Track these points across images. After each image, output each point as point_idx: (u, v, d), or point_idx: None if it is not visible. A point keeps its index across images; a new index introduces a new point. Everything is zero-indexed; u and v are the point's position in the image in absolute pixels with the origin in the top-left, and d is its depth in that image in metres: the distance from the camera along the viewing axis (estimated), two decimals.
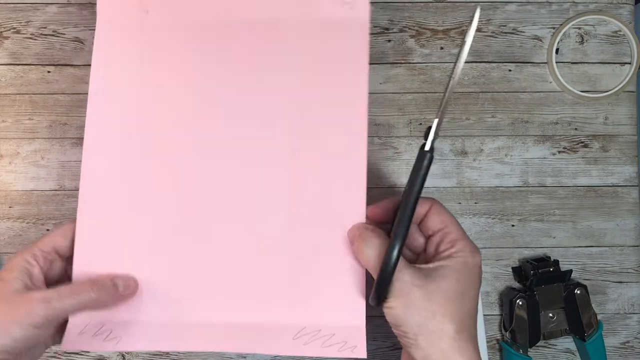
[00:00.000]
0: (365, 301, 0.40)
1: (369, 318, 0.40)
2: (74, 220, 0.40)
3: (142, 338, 0.39)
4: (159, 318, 0.40)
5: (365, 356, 0.39)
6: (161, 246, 0.41)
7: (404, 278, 0.34)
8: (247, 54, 0.43)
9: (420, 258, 0.40)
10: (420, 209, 0.38)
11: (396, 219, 0.34)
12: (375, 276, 0.35)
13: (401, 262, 0.34)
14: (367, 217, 0.40)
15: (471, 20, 0.33)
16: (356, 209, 0.41)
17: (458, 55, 0.33)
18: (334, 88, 0.42)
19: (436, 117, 0.34)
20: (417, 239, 0.40)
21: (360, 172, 0.42)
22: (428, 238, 0.39)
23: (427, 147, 0.35)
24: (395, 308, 0.34)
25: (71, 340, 0.38)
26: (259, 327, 0.40)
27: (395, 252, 0.33)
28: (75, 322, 0.39)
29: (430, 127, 0.35)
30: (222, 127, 0.42)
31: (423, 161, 0.34)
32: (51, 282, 0.38)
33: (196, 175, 0.42)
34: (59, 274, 0.39)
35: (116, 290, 0.38)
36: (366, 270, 0.39)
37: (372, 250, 0.36)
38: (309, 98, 0.42)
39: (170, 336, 0.40)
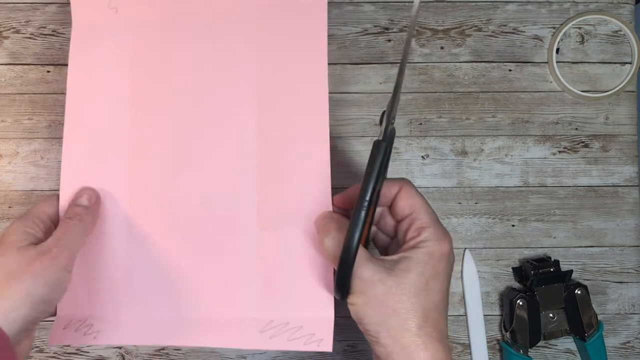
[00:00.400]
0: (333, 296, 0.40)
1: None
2: (56, 193, 0.43)
3: (117, 333, 0.41)
4: (131, 314, 0.42)
5: (330, 350, 0.39)
6: (134, 248, 0.42)
7: (363, 274, 0.33)
8: (211, 41, 0.44)
9: (393, 242, 0.39)
10: (389, 191, 0.37)
11: (351, 218, 0.33)
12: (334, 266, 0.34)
13: (362, 256, 0.33)
14: (334, 206, 0.40)
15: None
16: (322, 200, 0.41)
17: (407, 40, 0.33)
18: (294, 74, 0.43)
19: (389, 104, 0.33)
20: (388, 223, 0.38)
21: (324, 161, 0.41)
22: (397, 223, 0.37)
23: (379, 137, 0.33)
24: (356, 305, 0.33)
25: (56, 336, 0.41)
26: (227, 322, 0.41)
27: (353, 245, 0.31)
28: (61, 318, 0.41)
29: (383, 113, 0.34)
30: (192, 121, 0.43)
31: (376, 151, 0.33)
32: None
33: (162, 174, 0.43)
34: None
35: (87, 209, 0.41)
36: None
37: (333, 242, 0.35)
38: (272, 87, 0.43)
39: (141, 332, 0.41)
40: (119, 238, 0.43)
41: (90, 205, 0.41)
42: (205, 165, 0.43)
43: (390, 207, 0.38)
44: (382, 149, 0.33)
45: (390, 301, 0.32)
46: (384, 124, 0.34)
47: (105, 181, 0.43)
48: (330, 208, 0.40)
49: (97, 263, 0.43)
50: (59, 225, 0.40)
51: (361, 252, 0.33)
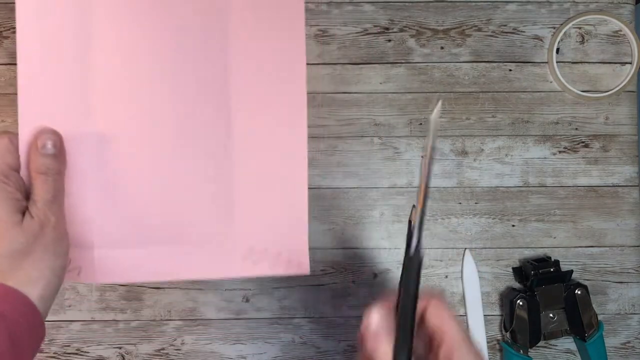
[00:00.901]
0: (307, 222, 0.43)
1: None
2: (4, 134, 0.41)
3: (97, 271, 0.42)
4: (106, 250, 0.42)
5: (308, 272, 0.43)
6: (104, 181, 0.42)
7: None
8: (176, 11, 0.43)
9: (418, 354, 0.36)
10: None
11: (395, 337, 0.31)
12: None
13: None
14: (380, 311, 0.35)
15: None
16: (296, 120, 0.43)
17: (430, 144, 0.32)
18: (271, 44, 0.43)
19: (417, 208, 0.31)
20: (416, 344, 0.36)
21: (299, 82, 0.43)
22: (427, 342, 0.35)
23: (412, 250, 0.31)
24: None
25: None
26: (208, 252, 0.42)
27: None
28: None
29: (411, 223, 0.31)
30: (161, 96, 0.43)
31: (413, 266, 0.31)
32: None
33: (130, 101, 0.42)
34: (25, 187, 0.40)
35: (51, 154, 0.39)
36: None
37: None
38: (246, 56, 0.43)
39: (119, 269, 0.42)
40: (89, 172, 0.42)
41: (57, 152, 0.40)
42: (176, 92, 0.42)
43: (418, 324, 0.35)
44: (419, 264, 0.31)
45: None
46: (415, 234, 0.31)
47: (69, 118, 0.41)
48: (305, 137, 0.42)
49: (67, 201, 0.41)
50: (36, 182, 0.39)
51: None
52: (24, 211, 0.38)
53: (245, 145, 0.43)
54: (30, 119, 0.41)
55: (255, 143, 0.43)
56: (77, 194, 0.42)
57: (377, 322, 0.33)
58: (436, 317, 0.34)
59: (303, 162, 0.43)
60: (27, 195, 0.39)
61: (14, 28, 0.56)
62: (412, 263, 0.32)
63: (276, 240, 0.43)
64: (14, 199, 0.37)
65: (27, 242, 0.36)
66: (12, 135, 0.40)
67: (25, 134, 0.40)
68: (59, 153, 0.40)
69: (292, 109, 0.43)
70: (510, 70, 0.57)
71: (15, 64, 0.56)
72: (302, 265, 0.43)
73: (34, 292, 0.36)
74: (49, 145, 0.39)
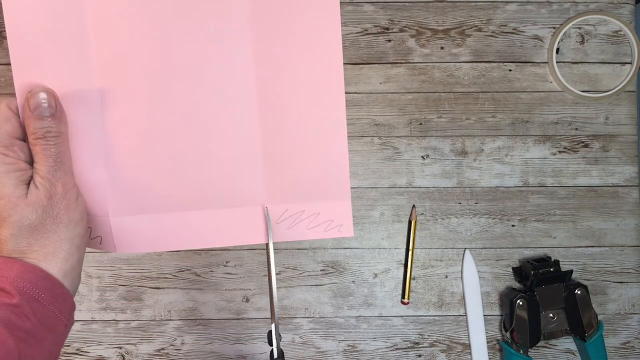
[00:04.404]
0: (348, 176, 0.38)
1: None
2: (0, 100, 0.36)
3: (116, 239, 0.38)
4: (124, 216, 0.38)
5: (352, 234, 0.38)
6: (116, 142, 0.37)
7: None
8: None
9: None
10: None
11: None
12: None
13: None
14: None
15: None
16: (334, 80, 0.37)
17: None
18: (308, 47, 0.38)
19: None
20: None
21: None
22: None
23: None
24: None
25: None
26: (235, 217, 0.38)
27: None
28: None
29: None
30: (177, 41, 0.37)
31: None
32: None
33: (142, 61, 0.37)
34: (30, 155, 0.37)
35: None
36: None
37: None
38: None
39: (144, 237, 0.38)
40: (97, 134, 0.37)
41: (54, 112, 0.35)
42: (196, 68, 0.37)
43: None
44: None
45: None
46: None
47: (68, 75, 0.36)
48: (343, 93, 0.37)
49: (76, 166, 0.37)
50: (36, 149, 0.35)
51: None
52: (29, 182, 0.35)
53: (279, 101, 0.37)
54: (26, 79, 0.36)
55: (289, 98, 0.37)
56: (86, 158, 0.37)
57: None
58: None
59: (343, 114, 0.38)
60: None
61: None
62: None
63: (313, 199, 0.38)
64: (15, 170, 0.34)
65: (36, 216, 0.34)
66: (9, 100, 0.36)
67: (23, 97, 0.36)
68: (57, 113, 0.35)
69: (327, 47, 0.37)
70: (510, 70, 0.57)
71: None
72: (344, 227, 0.38)
73: (53, 266, 0.34)
74: (44, 105, 0.35)
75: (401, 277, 0.56)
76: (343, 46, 0.56)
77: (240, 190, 0.38)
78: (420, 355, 0.56)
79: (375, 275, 0.56)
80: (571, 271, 0.55)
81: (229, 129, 0.37)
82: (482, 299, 0.56)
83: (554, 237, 0.57)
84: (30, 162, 0.35)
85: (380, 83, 0.56)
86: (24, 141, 0.36)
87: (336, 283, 0.56)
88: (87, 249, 0.38)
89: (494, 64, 0.57)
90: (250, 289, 0.56)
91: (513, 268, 0.56)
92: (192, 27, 0.36)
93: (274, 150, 0.37)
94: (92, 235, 0.39)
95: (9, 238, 0.33)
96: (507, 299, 0.54)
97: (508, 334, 0.54)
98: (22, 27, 0.36)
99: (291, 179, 0.38)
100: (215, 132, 0.37)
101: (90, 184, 0.37)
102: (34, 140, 0.35)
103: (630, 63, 0.57)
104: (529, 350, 0.53)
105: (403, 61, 0.57)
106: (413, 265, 0.53)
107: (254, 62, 0.37)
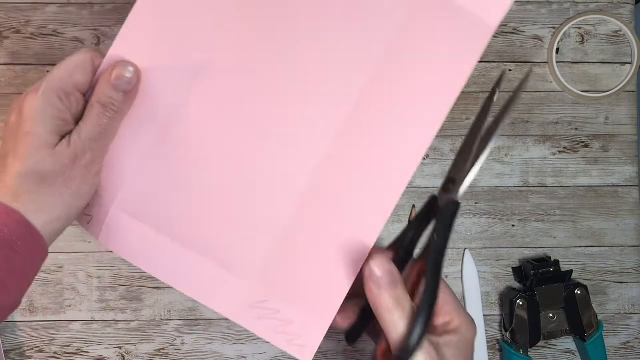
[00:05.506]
0: (336, 311, 0.35)
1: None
2: (89, 50, 0.35)
3: (106, 231, 0.37)
4: (130, 219, 0.37)
5: None
6: (157, 147, 0.37)
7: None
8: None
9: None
10: (414, 272, 0.36)
11: (422, 293, 0.31)
12: (392, 343, 0.32)
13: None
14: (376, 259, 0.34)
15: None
16: (374, 222, 0.36)
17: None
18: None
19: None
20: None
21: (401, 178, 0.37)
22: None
23: (454, 195, 0.32)
24: None
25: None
26: (219, 277, 0.36)
27: (420, 336, 0.30)
28: None
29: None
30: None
31: (448, 214, 0.32)
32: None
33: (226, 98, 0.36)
34: (81, 112, 0.35)
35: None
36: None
37: (402, 321, 0.32)
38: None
39: (129, 243, 0.37)
40: (152, 129, 0.36)
41: (131, 92, 0.35)
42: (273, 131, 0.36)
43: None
44: (454, 212, 0.32)
45: None
46: (457, 180, 0.32)
47: (167, 60, 0.36)
48: (378, 232, 0.35)
49: (112, 144, 0.37)
50: (91, 112, 0.34)
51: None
52: (65, 136, 0.34)
53: (319, 207, 0.36)
54: (125, 52, 0.35)
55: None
56: (127, 143, 0.36)
57: (378, 272, 0.33)
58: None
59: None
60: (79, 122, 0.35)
61: (14, 28, 0.56)
62: (447, 210, 0.32)
63: (295, 305, 0.36)
64: (60, 118, 0.33)
65: (52, 169, 0.33)
66: (96, 55, 0.35)
67: (111, 58, 0.35)
68: (131, 93, 0.35)
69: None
70: (510, 70, 0.57)
71: (14, 64, 0.56)
72: (306, 350, 0.35)
73: (39, 222, 0.33)
74: (126, 79, 0.34)
75: None
76: None
77: (238, 256, 0.37)
78: None
79: None
80: (571, 271, 0.55)
81: (267, 195, 0.36)
82: (482, 299, 0.56)
83: (554, 237, 0.57)
84: (77, 119, 0.34)
85: None
86: (84, 96, 0.35)
87: None
88: (85, 247, 0.38)
89: (494, 64, 0.57)
90: None
91: (513, 268, 0.56)
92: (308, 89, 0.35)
93: (294, 236, 0.36)
94: (87, 211, 0.37)
95: (15, 176, 0.32)
96: (507, 299, 0.55)
97: (508, 334, 0.54)
98: (158, 7, 0.35)
99: (285, 276, 0.36)
100: (253, 191, 0.36)
101: (115, 166, 0.37)
102: (95, 103, 0.34)
103: (630, 63, 0.57)
104: (529, 350, 0.53)
105: None
106: None
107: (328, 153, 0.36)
